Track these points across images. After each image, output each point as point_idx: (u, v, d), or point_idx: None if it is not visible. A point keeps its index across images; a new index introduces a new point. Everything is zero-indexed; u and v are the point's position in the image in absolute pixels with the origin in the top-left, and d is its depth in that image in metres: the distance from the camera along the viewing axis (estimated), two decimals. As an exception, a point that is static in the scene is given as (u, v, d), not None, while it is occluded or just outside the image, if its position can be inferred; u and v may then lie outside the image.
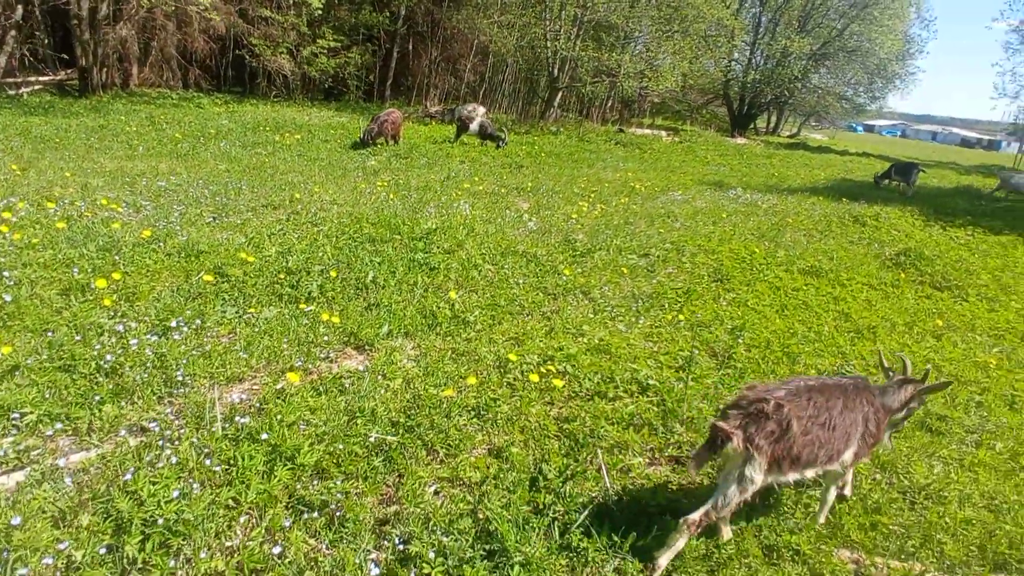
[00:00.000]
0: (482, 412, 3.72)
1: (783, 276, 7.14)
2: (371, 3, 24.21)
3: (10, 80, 16.72)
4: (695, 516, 2.70)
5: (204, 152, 11.73)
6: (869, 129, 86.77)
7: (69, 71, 18.34)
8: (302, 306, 4.82)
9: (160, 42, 19.61)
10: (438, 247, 6.42)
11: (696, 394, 4.14)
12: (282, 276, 5.25)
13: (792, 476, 2.79)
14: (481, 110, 17.29)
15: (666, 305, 5.91)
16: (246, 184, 8.98)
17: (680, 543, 2.72)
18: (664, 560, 2.72)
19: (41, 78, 17.86)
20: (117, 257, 5.10)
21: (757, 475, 2.68)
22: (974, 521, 3.15)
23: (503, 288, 5.72)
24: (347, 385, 3.78)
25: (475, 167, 13.72)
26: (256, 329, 4.36)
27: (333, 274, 5.32)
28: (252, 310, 4.66)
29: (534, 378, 4.08)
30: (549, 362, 4.36)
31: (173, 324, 4.14)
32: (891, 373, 3.41)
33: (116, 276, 4.66)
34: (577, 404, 3.97)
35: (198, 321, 4.32)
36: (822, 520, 3.12)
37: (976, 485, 3.52)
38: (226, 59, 22.21)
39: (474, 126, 17.06)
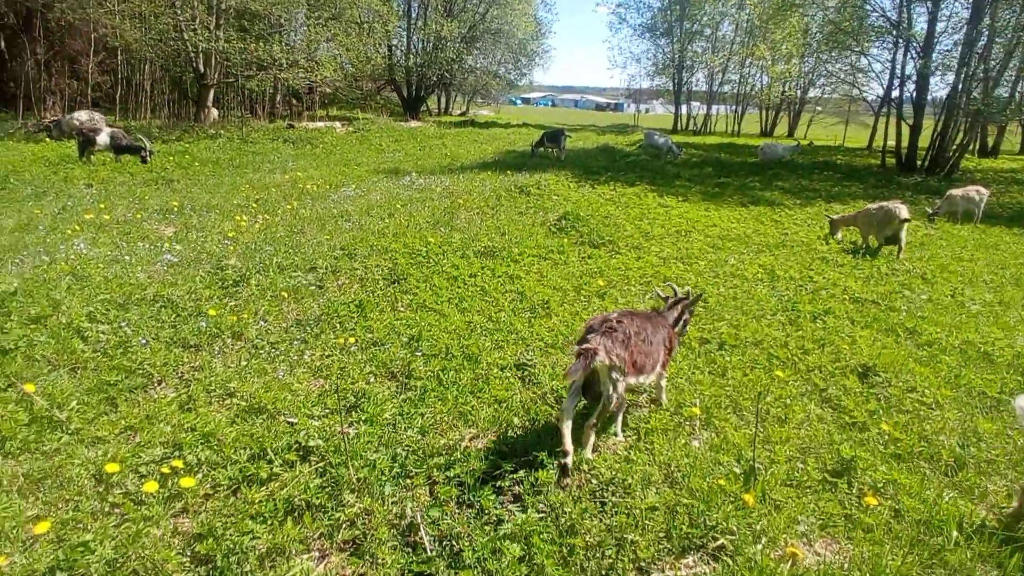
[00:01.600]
0: (61, 572, 2.54)
1: (460, 263, 6.94)
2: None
3: None
4: (591, 420, 3.47)
5: None
6: (526, 101, 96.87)
7: None
8: None
9: None
10: (18, 318, 4.66)
11: (370, 442, 3.49)
12: None
13: (638, 379, 3.59)
14: (98, 116, 14.20)
15: (338, 326, 5.16)
16: None
17: (591, 437, 3.49)
18: (589, 449, 3.49)
19: None
20: None
21: (620, 377, 3.43)
22: (657, 506, 3.08)
23: (121, 354, 4.34)
24: None
25: (107, 189, 11.16)
26: None
27: None
28: None
29: (151, 487, 2.98)
30: (177, 455, 3.28)
31: None
32: (666, 299, 4.37)
33: None
34: (217, 505, 3.00)
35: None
36: (663, 400, 4.19)
37: (653, 459, 3.53)
38: None
39: (103, 139, 13.96)
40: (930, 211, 12.09)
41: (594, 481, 3.37)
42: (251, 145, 18.01)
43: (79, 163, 13.22)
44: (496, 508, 3.13)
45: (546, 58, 47.74)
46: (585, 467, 3.47)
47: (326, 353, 4.70)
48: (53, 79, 26.04)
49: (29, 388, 3.74)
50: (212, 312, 5.08)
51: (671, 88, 42.55)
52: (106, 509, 2.96)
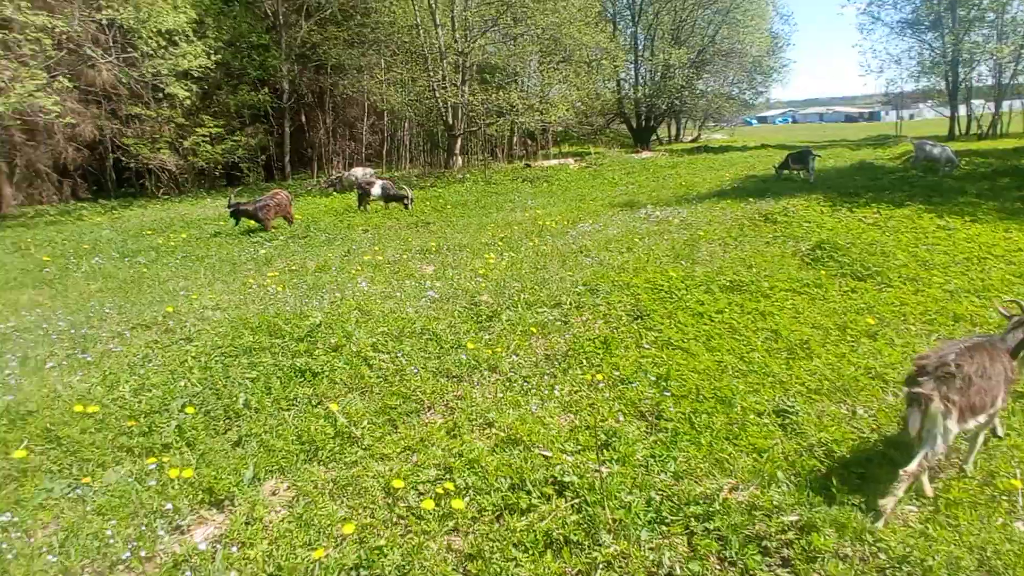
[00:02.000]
0: (363, 569, 2.93)
1: (705, 298, 6.69)
2: (249, 83, 23.44)
3: None
4: (912, 467, 3.22)
5: (75, 272, 10.53)
6: (763, 120, 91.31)
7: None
8: (151, 460, 3.92)
9: (23, 159, 18.15)
10: (323, 345, 5.61)
11: (623, 482, 3.48)
12: (131, 423, 4.33)
13: (972, 423, 3.38)
14: (369, 171, 16.66)
15: (584, 362, 5.29)
16: (114, 305, 7.94)
17: (901, 490, 3.19)
18: (890, 506, 3.15)
19: None
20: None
21: (953, 425, 3.25)
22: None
23: (399, 382, 4.96)
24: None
25: (379, 234, 13.00)
26: (88, 507, 3.45)
27: (190, 410, 4.43)
28: (87, 480, 3.73)
29: (429, 505, 3.33)
30: (448, 477, 3.62)
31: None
32: (1010, 318, 4.03)
33: None
34: (483, 528, 3.23)
35: (7, 514, 3.37)
36: (971, 461, 3.69)
37: (960, 538, 2.97)
38: (106, 164, 20.87)
39: (376, 190, 16.38)
40: None
41: (882, 556, 2.95)
42: (493, 186, 19.60)
43: (358, 212, 15.61)
44: (763, 570, 2.90)
45: (784, 73, 44.59)
46: (869, 537, 3.05)
47: (575, 388, 4.83)
48: (337, 142, 31.35)
49: (334, 407, 4.44)
50: (470, 345, 5.56)
51: (943, 88, 36.67)
52: (394, 519, 3.35)
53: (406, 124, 32.80)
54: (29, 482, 3.67)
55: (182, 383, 4.88)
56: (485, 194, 18.17)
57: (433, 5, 23.30)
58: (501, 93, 21.95)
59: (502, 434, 4.13)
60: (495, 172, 23.03)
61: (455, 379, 5.08)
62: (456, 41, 23.04)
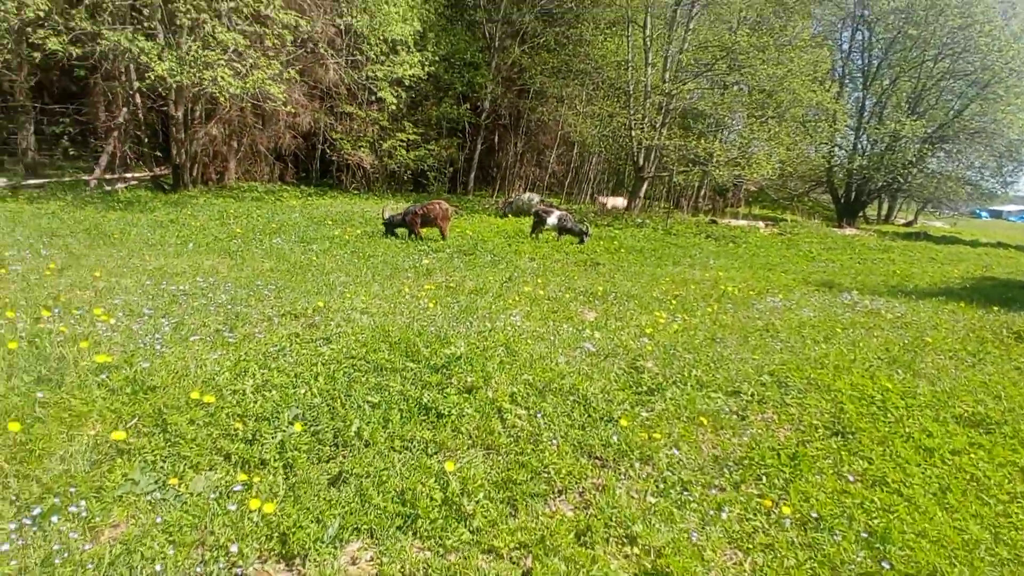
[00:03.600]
0: None
1: (934, 429, 5.16)
2: (453, 97, 24.52)
3: (110, 176, 17.60)
4: None
5: (256, 248, 11.22)
6: (996, 215, 79.41)
7: (163, 167, 19.22)
8: (242, 476, 3.52)
9: (249, 139, 20.34)
10: (457, 382, 5.01)
11: None
12: (238, 425, 4.01)
13: None
14: (536, 198, 16.32)
15: (764, 480, 4.14)
16: (275, 287, 8.12)
17: None
18: None
19: (137, 174, 18.76)
20: (40, 395, 4.06)
21: None
22: None
23: (531, 449, 4.19)
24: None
25: (545, 265, 12.50)
26: (159, 518, 3.08)
27: (298, 427, 4.01)
28: (174, 481, 3.41)
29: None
30: (568, 609, 2.75)
31: (36, 512, 2.94)
32: None
33: (14, 427, 3.57)
34: None
35: (82, 503, 3.10)
36: None
37: None
38: (314, 154, 22.87)
39: (552, 219, 16.03)
40: None
41: None
42: (674, 237, 18.40)
43: (529, 239, 15.28)
44: None
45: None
46: None
47: (748, 515, 3.73)
48: (523, 167, 31.87)
49: (449, 467, 3.77)
50: (624, 423, 4.64)
51: None
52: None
53: (594, 159, 32.60)
54: (120, 468, 3.40)
55: (303, 390, 4.52)
56: (664, 244, 17.05)
57: (647, 44, 22.78)
58: (701, 141, 20.69)
59: (646, 559, 3.18)
60: (677, 222, 21.78)
61: (598, 462, 4.19)
62: (664, 82, 22.27)
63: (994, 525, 3.85)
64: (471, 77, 24.53)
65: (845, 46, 35.55)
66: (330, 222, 14.82)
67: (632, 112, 22.75)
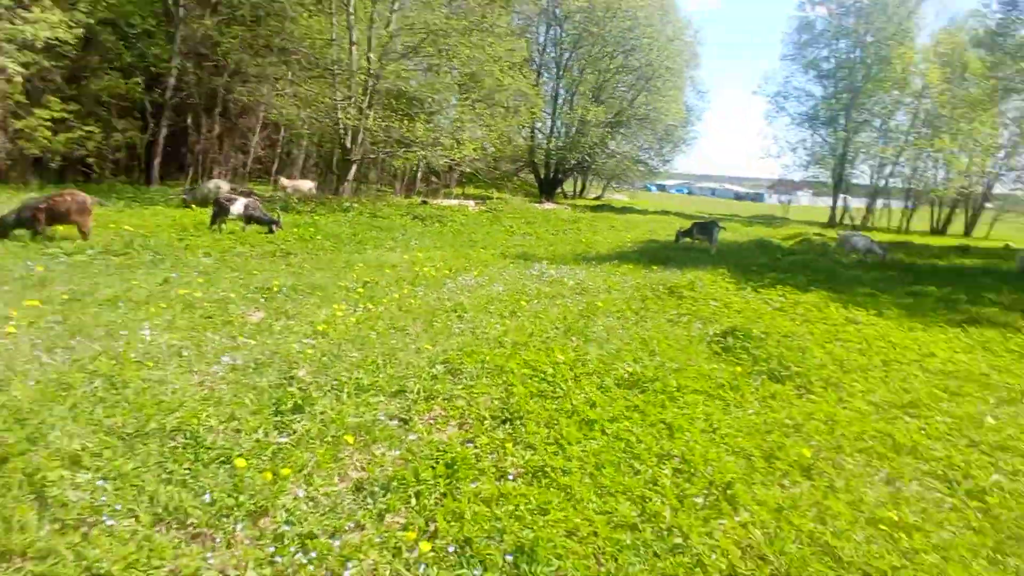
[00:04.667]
0: None
1: (597, 398, 5.09)
2: (119, 69, 20.29)
3: None
4: None
5: None
6: (661, 188, 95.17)
7: None
8: None
9: None
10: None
11: None
12: None
13: None
14: (225, 185, 14.31)
15: (415, 503, 3.46)
16: None
17: None
18: None
19: None
20: None
21: None
22: None
23: (80, 544, 2.90)
24: None
25: (223, 260, 10.65)
26: None
27: None
28: None
29: None
30: None
31: None
32: None
33: None
34: None
35: None
36: None
37: None
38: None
39: (236, 207, 13.95)
40: None
41: None
42: (379, 220, 17.63)
43: (208, 231, 13.13)
44: None
45: (691, 144, 46.20)
46: None
47: (386, 558, 2.98)
48: (224, 152, 28.27)
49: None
50: (240, 464, 3.57)
51: (825, 180, 39.15)
52: None
53: (303, 143, 30.33)
54: None
55: None
56: (367, 228, 16.14)
57: (351, 22, 21.45)
58: (406, 123, 20.13)
59: None
60: (387, 205, 21.05)
61: (187, 532, 3.06)
62: (369, 62, 21.22)
63: (642, 497, 3.70)
64: (146, 48, 20.51)
65: (542, 39, 38.44)
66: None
67: (336, 93, 21.31)
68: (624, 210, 32.70)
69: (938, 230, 38.11)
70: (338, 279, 9.67)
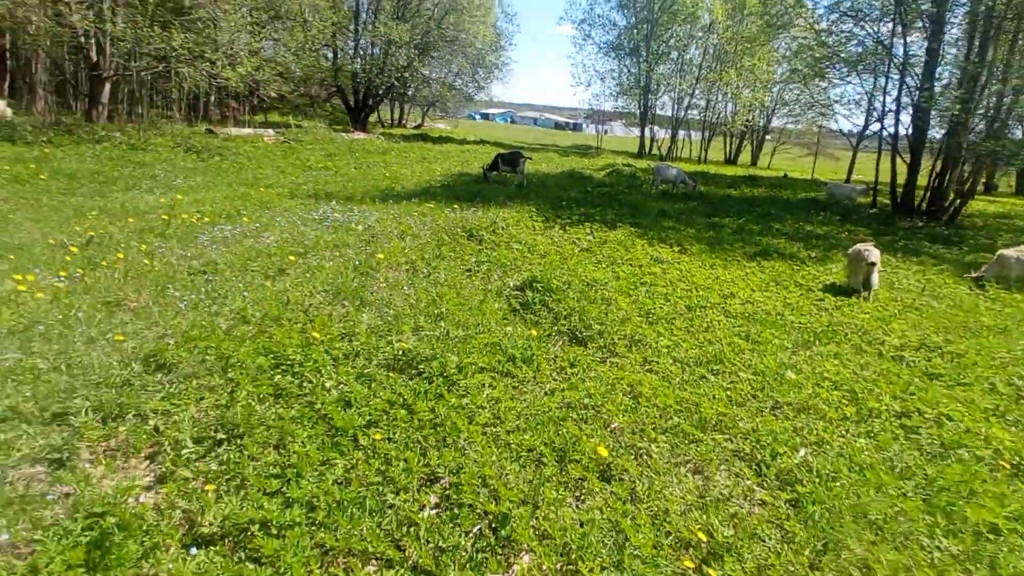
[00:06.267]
0: None
1: (355, 390, 3.95)
2: None
3: None
4: None
5: None
6: (486, 117, 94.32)
7: None
8: None
9: None
10: None
11: None
12: None
13: None
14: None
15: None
16: None
17: None
18: None
19: None
20: None
21: None
22: None
23: None
24: None
25: None
26: None
27: None
28: None
29: None
30: None
31: None
32: None
33: None
34: None
35: None
36: None
37: None
38: None
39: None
40: (975, 273, 9.78)
41: None
42: (140, 153, 14.55)
43: None
44: None
45: (506, 71, 45.04)
46: None
47: None
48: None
49: None
50: None
51: (634, 110, 40.57)
52: None
53: (40, 54, 24.46)
54: None
55: None
56: (120, 163, 13.15)
57: None
58: (158, 31, 16.50)
59: None
60: (157, 135, 17.56)
61: None
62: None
63: (385, 560, 2.67)
64: None
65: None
66: None
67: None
68: (441, 140, 31.17)
69: (731, 160, 41.57)
70: (55, 232, 7.44)
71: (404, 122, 47.68)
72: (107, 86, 19.22)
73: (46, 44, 19.97)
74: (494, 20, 37.29)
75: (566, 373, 4.82)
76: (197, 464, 3.18)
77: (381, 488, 3.13)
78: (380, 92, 33.36)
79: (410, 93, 40.54)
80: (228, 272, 6.30)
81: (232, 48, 18.96)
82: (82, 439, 3.25)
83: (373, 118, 38.88)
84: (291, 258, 6.84)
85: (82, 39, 17.72)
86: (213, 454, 3.26)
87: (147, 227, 8.08)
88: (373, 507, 2.98)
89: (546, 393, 4.43)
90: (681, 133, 40.74)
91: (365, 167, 16.79)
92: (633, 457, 3.75)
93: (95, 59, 18.27)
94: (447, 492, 3.16)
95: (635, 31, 36.83)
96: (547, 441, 3.74)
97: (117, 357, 4.06)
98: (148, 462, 3.22)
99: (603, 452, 3.62)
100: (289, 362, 4.21)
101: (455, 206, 10.67)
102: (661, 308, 6.64)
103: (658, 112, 41.65)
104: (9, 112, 17.93)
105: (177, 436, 3.33)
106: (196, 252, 6.95)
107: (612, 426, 4.10)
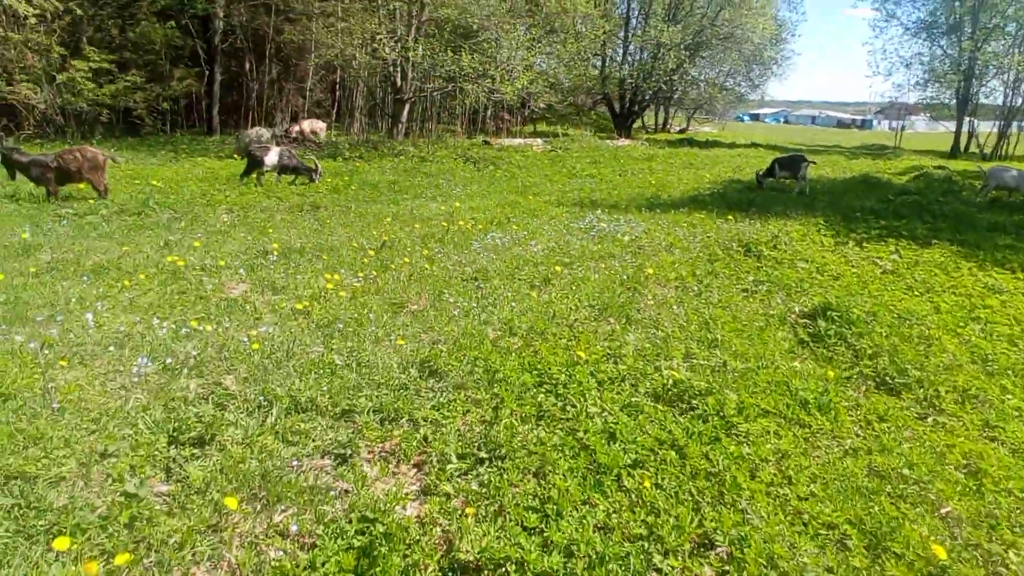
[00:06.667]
0: None
1: (620, 424, 3.63)
2: (156, 15, 19.57)
3: None
4: None
5: None
6: (755, 118, 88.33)
7: None
8: None
9: None
10: None
11: None
12: None
13: None
14: (267, 134, 13.30)
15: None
16: None
17: None
18: None
19: None
20: None
21: None
22: None
23: None
24: None
25: (244, 217, 9.72)
26: None
27: None
28: None
29: None
30: None
31: None
32: None
33: None
34: None
35: None
36: None
37: None
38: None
39: (271, 157, 12.99)
40: None
41: None
42: (428, 165, 16.30)
43: (240, 184, 12.25)
44: None
45: (785, 66, 41.12)
46: None
47: None
48: (283, 98, 27.56)
49: None
50: (61, 545, 2.44)
51: (947, 100, 33.91)
52: None
53: (360, 83, 29.17)
54: None
55: None
56: (412, 174, 14.86)
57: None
58: (450, 55, 18.36)
59: None
60: (443, 148, 19.63)
61: None
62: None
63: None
64: None
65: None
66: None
67: (380, 25, 19.80)
68: (709, 144, 29.72)
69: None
70: (357, 236, 8.52)
71: (668, 127, 46.76)
72: (406, 107, 22.04)
73: (364, 75, 23.61)
74: (774, 11, 34.36)
75: (873, 429, 3.91)
76: (459, 481, 3.16)
77: (646, 545, 2.75)
78: (646, 97, 33.06)
79: (676, 96, 39.49)
80: (497, 280, 6.51)
81: (510, 64, 20.29)
82: (363, 438, 3.46)
83: (637, 124, 38.78)
84: (557, 268, 6.84)
85: (391, 68, 20.54)
86: (474, 473, 3.21)
87: (429, 232, 8.83)
88: (638, 568, 2.61)
89: (847, 452, 3.62)
90: (1015, 125, 33.01)
91: (630, 174, 16.60)
92: (981, 565, 2.81)
93: (399, 84, 21.07)
94: (725, 567, 2.66)
95: (957, 3, 30.74)
96: (853, 519, 2.99)
97: (397, 359, 4.33)
98: (416, 470, 3.29)
99: (939, 552, 2.75)
100: (553, 381, 4.07)
101: (728, 216, 9.83)
102: (1005, 354, 5.15)
103: (982, 101, 34.32)
104: (330, 133, 21.68)
105: (443, 449, 3.36)
106: (469, 259, 7.35)
107: (944, 511, 3.16)
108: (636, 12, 31.91)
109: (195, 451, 3.23)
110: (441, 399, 3.82)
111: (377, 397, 3.78)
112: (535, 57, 20.65)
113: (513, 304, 5.57)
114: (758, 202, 11.69)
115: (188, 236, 8.18)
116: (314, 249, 7.64)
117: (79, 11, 16.78)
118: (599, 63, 32.42)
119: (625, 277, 6.53)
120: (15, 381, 3.73)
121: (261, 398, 3.67)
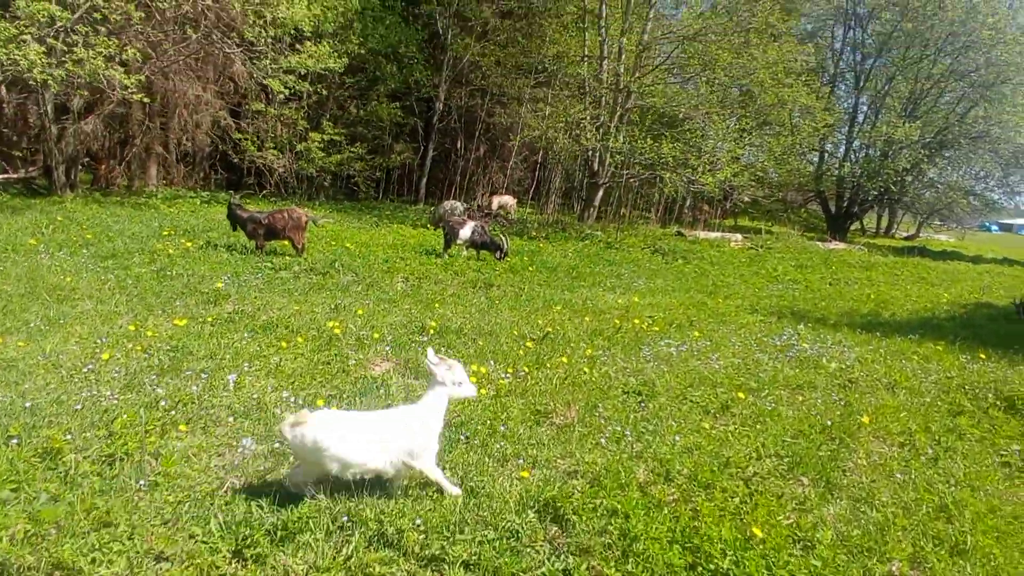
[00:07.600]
0: None
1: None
2: (386, 95, 21.98)
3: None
4: None
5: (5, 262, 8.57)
6: (1007, 228, 75.84)
7: (32, 169, 16.79)
8: None
9: (145, 138, 17.91)
10: None
11: None
12: None
13: None
14: (460, 207, 13.70)
15: None
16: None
17: None
18: None
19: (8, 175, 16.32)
20: None
21: None
22: None
23: None
24: None
25: (417, 288, 9.85)
26: None
27: None
28: None
29: None
30: None
31: None
32: None
33: None
34: None
35: None
36: None
37: None
38: (216, 155, 20.38)
39: (464, 232, 13.40)
40: None
41: None
42: (613, 252, 15.70)
43: (443, 256, 12.69)
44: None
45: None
46: None
47: None
48: (486, 173, 29.31)
49: None
50: None
51: None
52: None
53: (559, 165, 30.10)
54: None
55: None
56: (594, 260, 14.34)
57: (603, 35, 20.25)
58: (650, 142, 17.92)
59: None
60: (631, 235, 19.03)
61: None
62: (619, 77, 19.71)
63: None
64: (408, 73, 21.99)
65: (837, 44, 32.91)
66: (167, 232, 12.16)
67: (585, 111, 20.20)
68: (946, 255, 25.63)
69: None
70: (521, 323, 8.04)
71: (893, 232, 41.71)
72: (600, 191, 21.95)
73: (563, 157, 24.21)
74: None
75: None
76: None
77: None
78: (869, 198, 29.74)
79: (906, 199, 35.13)
80: (664, 398, 5.51)
81: (713, 155, 19.36)
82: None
83: (854, 226, 35.00)
84: (740, 394, 5.65)
85: (589, 153, 20.70)
86: None
87: (598, 328, 8.06)
88: None
89: None
90: None
91: (843, 284, 14.48)
92: None
93: (595, 168, 21.10)
94: None
95: None
96: None
97: (517, 493, 3.55)
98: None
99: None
100: (710, 570, 3.00)
101: (979, 354, 7.76)
102: None
103: None
104: (523, 211, 22.25)
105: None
106: (635, 367, 6.42)
107: None
108: (865, 107, 29.27)
109: (254, 570, 2.72)
110: (554, 566, 2.95)
111: (476, 544, 3.02)
112: (743, 149, 19.51)
113: (677, 437, 4.54)
114: (1019, 335, 9.24)
115: (359, 301, 8.33)
116: (472, 331, 7.27)
117: (325, 92, 19.27)
118: (815, 158, 30.06)
119: (829, 421, 5.14)
120: (125, 443, 3.61)
121: (345, 518, 3.11)
